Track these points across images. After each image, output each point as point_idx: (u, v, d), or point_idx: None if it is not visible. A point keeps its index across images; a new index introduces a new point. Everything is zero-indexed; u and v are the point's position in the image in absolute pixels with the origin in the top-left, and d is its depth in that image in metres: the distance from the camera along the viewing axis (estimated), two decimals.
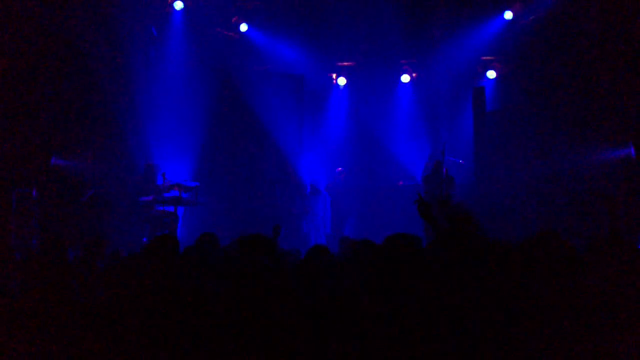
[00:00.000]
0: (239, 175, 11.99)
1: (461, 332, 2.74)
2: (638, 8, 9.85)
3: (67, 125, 9.82)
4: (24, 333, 2.96)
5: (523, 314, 2.82)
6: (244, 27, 11.94)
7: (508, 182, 10.84)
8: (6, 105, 8.72)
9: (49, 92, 9.37)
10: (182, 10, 11.25)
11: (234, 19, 11.98)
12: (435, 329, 2.74)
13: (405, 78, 12.81)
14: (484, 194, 10.58)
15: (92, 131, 10.28)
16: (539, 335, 2.76)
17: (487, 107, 11.15)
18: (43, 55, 9.20)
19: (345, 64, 12.99)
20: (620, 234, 3.84)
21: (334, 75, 13.09)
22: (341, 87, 13.17)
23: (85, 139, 10.22)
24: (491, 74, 12.34)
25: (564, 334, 2.75)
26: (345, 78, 13.09)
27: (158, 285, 3.30)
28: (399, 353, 2.71)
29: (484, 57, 12.34)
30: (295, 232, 10.68)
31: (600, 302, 2.84)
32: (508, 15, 11.66)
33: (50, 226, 8.81)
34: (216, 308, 2.89)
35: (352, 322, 2.81)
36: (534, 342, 2.73)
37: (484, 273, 3.01)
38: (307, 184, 11.95)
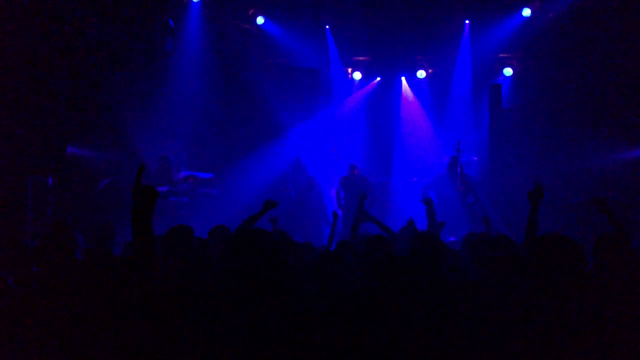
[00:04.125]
0: (253, 168, 11.99)
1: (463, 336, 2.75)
2: None
3: (83, 114, 9.88)
4: (31, 324, 2.97)
5: (525, 318, 2.80)
6: (260, 20, 11.96)
7: (522, 180, 10.75)
8: (23, 94, 8.78)
9: (65, 82, 9.43)
10: (199, 2, 11.29)
11: (250, 12, 11.99)
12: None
13: (421, 74, 12.74)
14: (498, 191, 10.51)
15: (108, 121, 10.33)
16: (542, 340, 2.74)
17: (503, 105, 11.07)
18: (59, 45, 9.25)
19: (361, 58, 12.96)
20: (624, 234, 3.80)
21: (350, 70, 13.06)
22: (356, 82, 13.15)
23: (101, 128, 10.28)
24: (508, 71, 12.26)
25: (567, 338, 2.73)
26: (361, 72, 13.06)
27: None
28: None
29: (502, 54, 12.26)
30: (308, 226, 10.67)
31: (605, 308, 2.81)
32: (526, 12, 11.55)
33: (65, 215, 8.88)
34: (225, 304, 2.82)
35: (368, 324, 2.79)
36: (537, 346, 2.72)
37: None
38: (321, 178, 11.94)
